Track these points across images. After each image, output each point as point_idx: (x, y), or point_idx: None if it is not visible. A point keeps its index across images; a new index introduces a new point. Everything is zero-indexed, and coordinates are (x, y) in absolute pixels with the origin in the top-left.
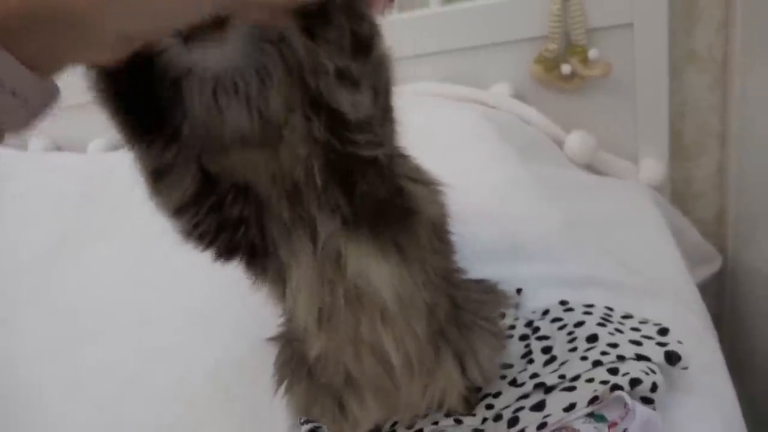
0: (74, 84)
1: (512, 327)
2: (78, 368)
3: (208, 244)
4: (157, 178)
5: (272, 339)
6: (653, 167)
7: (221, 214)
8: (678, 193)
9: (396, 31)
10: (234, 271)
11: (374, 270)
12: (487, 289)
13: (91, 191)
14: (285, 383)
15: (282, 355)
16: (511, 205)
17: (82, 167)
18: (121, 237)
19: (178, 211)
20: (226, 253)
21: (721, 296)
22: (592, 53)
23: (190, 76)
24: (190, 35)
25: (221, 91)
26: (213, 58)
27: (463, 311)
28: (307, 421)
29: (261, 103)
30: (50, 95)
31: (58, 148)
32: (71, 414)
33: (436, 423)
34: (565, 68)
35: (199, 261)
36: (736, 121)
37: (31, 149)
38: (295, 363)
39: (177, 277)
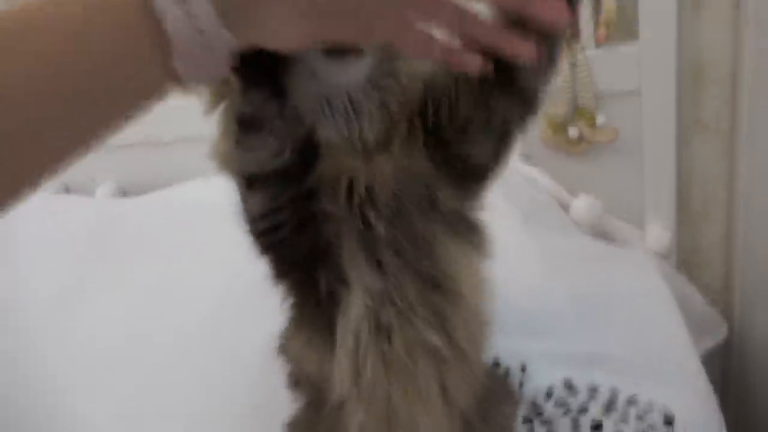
0: None
1: None
2: (74, 425)
3: (272, 243)
4: (248, 126)
5: (289, 426)
6: (660, 234)
7: (300, 210)
8: (684, 260)
9: None
10: (239, 337)
11: (421, 351)
12: (501, 381)
13: (99, 239)
14: None
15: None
16: (517, 275)
17: (91, 212)
18: (125, 290)
19: (254, 178)
20: (281, 263)
21: (727, 365)
22: (600, 118)
23: (313, 75)
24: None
25: (331, 101)
26: (339, 70)
27: (487, 403)
28: None
29: (362, 125)
30: (230, 47)
31: (67, 190)
32: None
33: None
34: (573, 131)
35: (203, 321)
36: (742, 189)
37: (39, 191)
38: None
39: (180, 336)
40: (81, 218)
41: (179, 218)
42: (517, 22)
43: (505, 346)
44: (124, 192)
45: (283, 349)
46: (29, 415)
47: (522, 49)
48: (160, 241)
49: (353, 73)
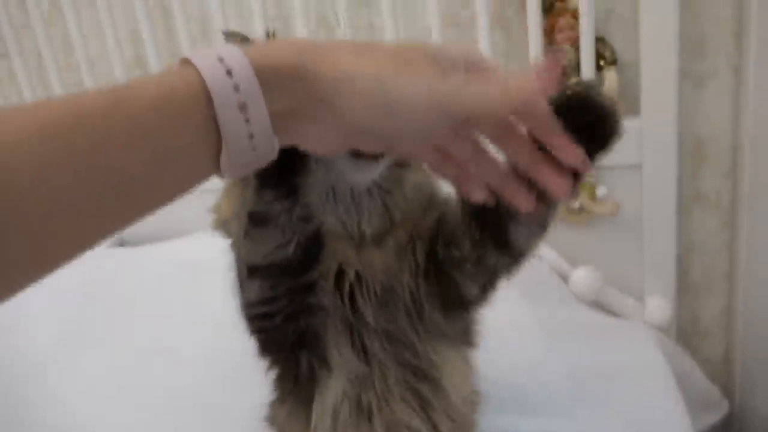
0: None
1: None
2: None
3: (263, 328)
4: (257, 222)
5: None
6: (659, 305)
7: (295, 302)
8: (684, 332)
9: None
10: (228, 398)
11: None
12: None
13: (92, 290)
14: None
15: None
16: (513, 348)
17: (84, 263)
18: (116, 347)
19: (257, 269)
20: (268, 343)
21: None
22: (600, 190)
23: (330, 170)
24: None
25: (336, 190)
26: (354, 169)
27: None
28: None
29: (362, 217)
30: (272, 154)
31: None
32: None
33: None
34: (574, 203)
35: (191, 385)
36: (743, 262)
37: None
38: None
39: (167, 398)
40: (75, 267)
41: (175, 272)
42: (524, 177)
43: (499, 424)
44: (122, 242)
45: (270, 418)
46: None
47: (521, 202)
48: (154, 295)
49: (367, 174)
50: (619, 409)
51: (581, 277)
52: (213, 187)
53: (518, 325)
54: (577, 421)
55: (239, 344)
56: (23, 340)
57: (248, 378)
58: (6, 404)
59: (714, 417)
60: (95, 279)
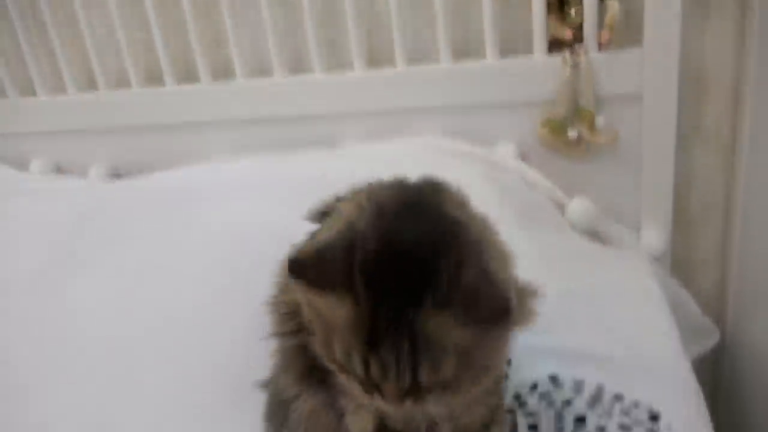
0: (83, 108)
1: None
2: (51, 409)
3: None
4: None
5: (262, 385)
6: (655, 237)
7: None
8: (678, 264)
9: (404, 82)
10: (222, 320)
11: None
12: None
13: (85, 220)
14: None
15: (269, 408)
16: None
17: (78, 194)
18: (109, 271)
19: None
20: None
21: (717, 371)
22: (599, 121)
23: None
24: None
25: None
26: None
27: None
28: None
29: None
30: None
31: (59, 170)
32: None
33: None
34: (572, 133)
35: (188, 304)
36: (741, 197)
37: (31, 170)
38: (281, 418)
39: (163, 318)
40: (71, 199)
41: (170, 198)
42: None
43: None
44: (117, 174)
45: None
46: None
47: None
48: (148, 220)
49: None
50: (614, 330)
51: (577, 207)
52: (198, 120)
53: (513, 250)
54: (567, 339)
55: (236, 267)
56: (11, 266)
57: (246, 294)
58: None
59: (705, 346)
60: (87, 208)
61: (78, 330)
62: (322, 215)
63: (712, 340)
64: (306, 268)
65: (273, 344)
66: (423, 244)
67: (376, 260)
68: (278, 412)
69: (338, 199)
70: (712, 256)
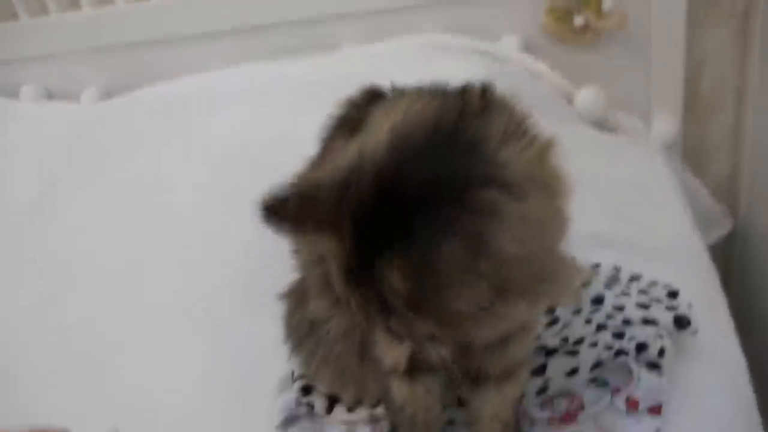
0: (68, 29)
1: None
2: (65, 321)
3: None
4: None
5: (284, 295)
6: (666, 124)
7: None
8: (690, 152)
9: None
10: (228, 229)
11: None
12: None
13: (80, 142)
14: (291, 343)
15: (292, 319)
16: None
17: (72, 117)
18: (109, 189)
19: None
20: None
21: (729, 259)
22: (607, 4)
23: None
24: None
25: None
26: None
27: None
28: (300, 377)
29: None
30: None
31: (51, 97)
32: (56, 367)
33: None
34: (578, 20)
35: (193, 213)
36: (755, 76)
37: (22, 97)
38: (305, 329)
39: (169, 228)
40: (65, 121)
41: (167, 114)
42: None
43: None
44: (110, 96)
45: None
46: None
47: None
48: (146, 137)
49: None
50: (629, 217)
51: (586, 97)
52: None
53: None
54: (580, 224)
55: (238, 171)
56: (10, 193)
57: (250, 202)
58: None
59: (717, 233)
60: (82, 128)
61: (85, 248)
62: (341, 122)
63: (724, 228)
64: (282, 211)
65: (288, 258)
66: (419, 198)
67: (364, 203)
68: (307, 329)
69: (353, 104)
70: (724, 141)
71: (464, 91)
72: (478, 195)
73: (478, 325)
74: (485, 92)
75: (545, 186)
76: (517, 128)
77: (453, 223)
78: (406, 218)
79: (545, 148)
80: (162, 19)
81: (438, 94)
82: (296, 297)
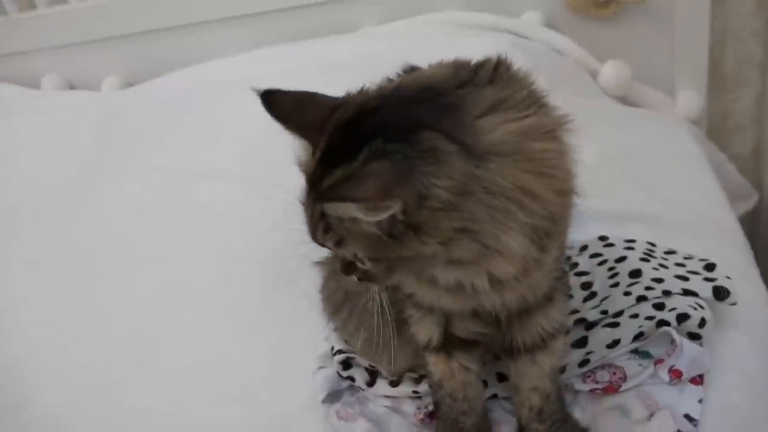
0: (87, 19)
1: None
2: (95, 308)
3: None
4: None
5: (320, 263)
6: (690, 99)
7: None
8: (714, 127)
9: None
10: (256, 210)
11: None
12: None
13: (106, 129)
14: (329, 309)
15: (327, 286)
16: None
17: (96, 105)
18: (138, 175)
19: None
20: None
21: (755, 233)
22: None
23: None
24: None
25: None
26: None
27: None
28: (339, 352)
29: None
30: None
31: (71, 86)
32: (87, 354)
33: None
34: None
35: (221, 198)
36: None
37: (43, 87)
38: (341, 298)
39: (197, 214)
40: (89, 110)
41: (190, 99)
42: None
43: None
44: (130, 84)
45: None
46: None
47: None
48: (171, 123)
49: None
50: (659, 191)
51: (610, 71)
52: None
53: None
54: (612, 201)
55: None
56: (40, 181)
57: (276, 184)
58: (31, 230)
59: (743, 208)
60: (106, 117)
61: (118, 233)
62: None
63: (750, 202)
64: (280, 103)
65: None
66: (377, 131)
67: (338, 128)
68: (342, 297)
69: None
70: (748, 116)
71: (480, 65)
72: (424, 138)
73: (395, 252)
74: (498, 66)
75: (524, 161)
76: (519, 102)
77: (390, 153)
78: (359, 146)
79: (548, 125)
80: (180, 6)
81: (456, 66)
82: (331, 265)
